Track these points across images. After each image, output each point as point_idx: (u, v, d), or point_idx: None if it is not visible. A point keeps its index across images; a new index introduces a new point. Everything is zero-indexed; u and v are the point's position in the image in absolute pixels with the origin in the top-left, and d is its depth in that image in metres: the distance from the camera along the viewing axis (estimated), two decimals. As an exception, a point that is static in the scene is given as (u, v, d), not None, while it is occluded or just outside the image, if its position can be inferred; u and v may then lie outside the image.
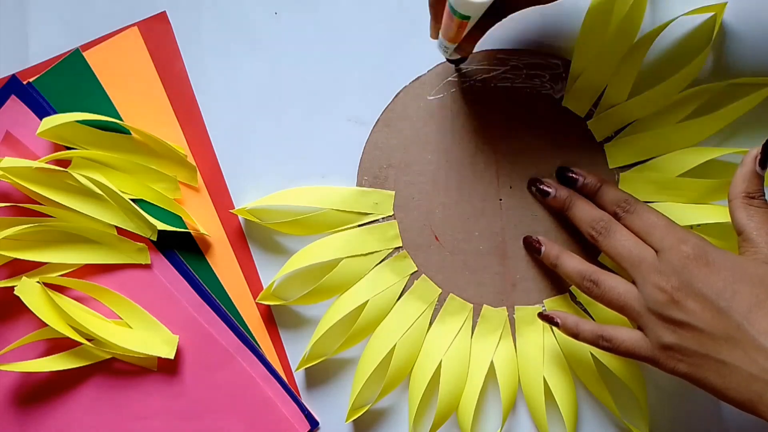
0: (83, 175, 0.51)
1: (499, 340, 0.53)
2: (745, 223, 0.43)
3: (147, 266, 0.54)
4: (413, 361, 0.53)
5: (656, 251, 0.44)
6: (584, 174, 0.51)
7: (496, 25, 0.52)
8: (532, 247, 0.52)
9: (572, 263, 0.48)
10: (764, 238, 0.42)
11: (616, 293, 0.45)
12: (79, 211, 0.52)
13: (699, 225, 0.51)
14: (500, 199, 0.53)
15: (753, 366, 0.39)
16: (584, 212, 0.49)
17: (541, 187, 0.52)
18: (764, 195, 0.44)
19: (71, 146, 0.53)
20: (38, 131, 0.51)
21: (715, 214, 0.51)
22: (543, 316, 0.49)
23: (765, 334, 0.39)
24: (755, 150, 0.44)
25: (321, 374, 0.55)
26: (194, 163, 0.55)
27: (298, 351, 0.54)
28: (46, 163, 0.53)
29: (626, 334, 0.45)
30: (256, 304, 0.55)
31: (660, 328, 0.43)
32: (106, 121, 0.53)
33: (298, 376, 0.55)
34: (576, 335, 0.47)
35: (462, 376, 0.52)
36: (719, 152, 0.51)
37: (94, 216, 0.52)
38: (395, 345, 0.52)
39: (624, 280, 0.45)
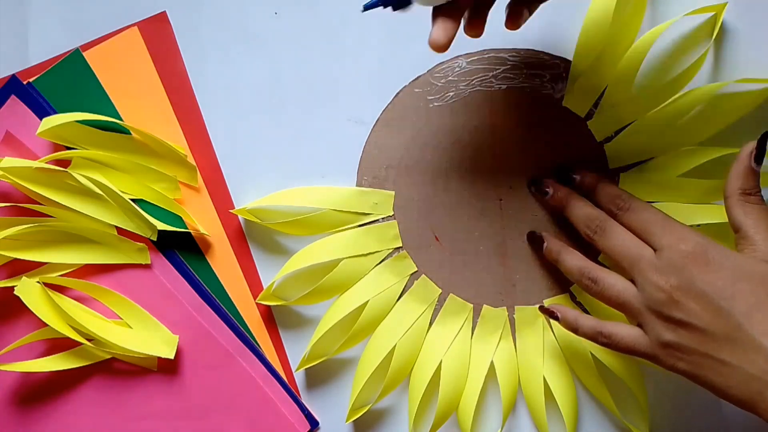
0: (83, 175, 0.51)
1: (499, 340, 0.53)
2: (742, 221, 0.43)
3: (147, 266, 0.54)
4: (413, 361, 0.53)
5: (654, 249, 0.44)
6: (582, 172, 0.51)
7: (496, 23, 0.52)
8: (535, 241, 0.52)
9: (573, 260, 0.48)
10: (762, 235, 0.42)
11: (615, 291, 0.45)
12: (79, 211, 0.52)
13: (699, 225, 0.51)
14: (500, 199, 0.53)
15: (753, 366, 0.39)
16: (580, 211, 0.49)
17: (540, 186, 0.52)
18: (760, 191, 0.44)
19: (71, 146, 0.53)
20: (38, 131, 0.51)
21: (716, 214, 0.51)
22: (543, 310, 0.49)
23: (765, 335, 0.39)
24: (750, 146, 0.44)
25: (321, 374, 0.55)
26: (194, 163, 0.55)
27: (298, 351, 0.54)
28: (46, 163, 0.53)
29: (626, 331, 0.44)
30: (257, 304, 0.55)
31: (660, 326, 0.42)
32: (106, 121, 0.53)
33: (298, 376, 0.55)
34: (575, 330, 0.47)
35: (462, 377, 0.52)
36: (720, 152, 0.51)
37: (94, 216, 0.52)
38: (395, 345, 0.52)
39: (623, 278, 0.45)
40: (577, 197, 0.50)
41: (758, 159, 0.44)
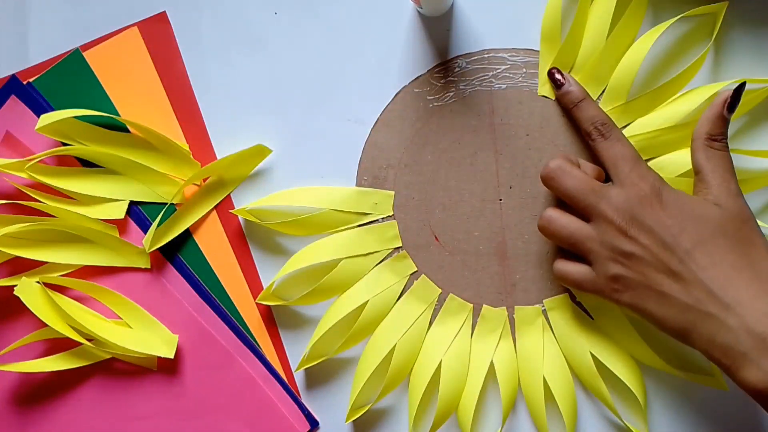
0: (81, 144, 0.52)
1: (499, 340, 0.53)
2: (703, 164, 0.46)
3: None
4: (413, 361, 0.53)
5: (616, 182, 0.47)
6: (572, 82, 0.51)
7: (495, 23, 0.52)
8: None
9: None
10: (717, 180, 0.45)
11: (570, 230, 0.47)
12: (85, 194, 0.53)
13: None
14: (500, 199, 0.53)
15: (689, 297, 0.43)
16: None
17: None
18: (726, 138, 0.47)
19: (70, 143, 0.53)
20: (37, 127, 0.51)
21: None
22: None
23: (703, 269, 0.43)
24: (725, 93, 0.47)
25: (321, 374, 0.55)
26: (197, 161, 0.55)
27: (298, 351, 0.55)
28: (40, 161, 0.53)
29: (575, 269, 0.48)
30: (256, 304, 0.55)
31: (609, 260, 0.46)
32: (105, 117, 0.53)
33: (298, 376, 0.55)
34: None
35: (462, 377, 0.52)
36: None
37: (102, 194, 0.53)
38: (395, 345, 0.52)
39: (578, 220, 0.48)
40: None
41: (731, 108, 0.46)
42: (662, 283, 0.44)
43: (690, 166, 0.51)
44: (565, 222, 0.48)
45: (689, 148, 0.51)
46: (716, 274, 0.43)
